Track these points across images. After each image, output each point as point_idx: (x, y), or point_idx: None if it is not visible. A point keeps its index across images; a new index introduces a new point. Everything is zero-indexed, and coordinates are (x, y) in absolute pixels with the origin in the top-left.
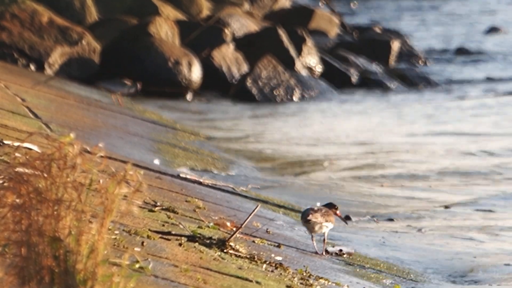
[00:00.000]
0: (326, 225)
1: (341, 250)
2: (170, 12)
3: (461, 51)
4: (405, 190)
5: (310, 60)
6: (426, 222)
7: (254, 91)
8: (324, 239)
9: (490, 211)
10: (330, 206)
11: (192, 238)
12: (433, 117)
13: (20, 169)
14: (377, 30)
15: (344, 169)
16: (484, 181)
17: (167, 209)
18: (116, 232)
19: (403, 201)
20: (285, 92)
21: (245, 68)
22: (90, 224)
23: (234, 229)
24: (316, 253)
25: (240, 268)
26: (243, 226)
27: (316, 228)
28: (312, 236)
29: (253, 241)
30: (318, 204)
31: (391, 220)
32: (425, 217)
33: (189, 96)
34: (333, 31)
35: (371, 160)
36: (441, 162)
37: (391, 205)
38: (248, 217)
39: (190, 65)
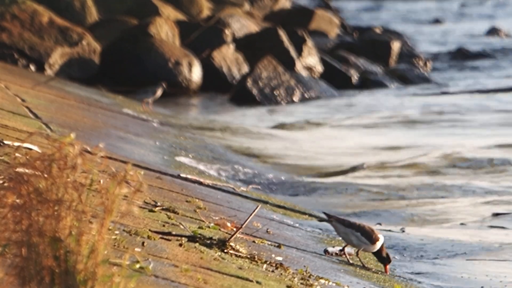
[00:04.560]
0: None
1: (341, 250)
2: (170, 13)
3: (461, 52)
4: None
5: (310, 60)
6: None
7: (255, 91)
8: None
9: None
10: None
11: (192, 238)
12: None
13: (20, 169)
14: (377, 31)
15: None
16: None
17: (167, 209)
18: (117, 232)
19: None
20: (286, 93)
21: (245, 68)
22: (90, 225)
23: (235, 229)
24: (351, 264)
25: (240, 268)
26: (243, 226)
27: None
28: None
29: (254, 241)
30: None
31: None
32: None
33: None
34: (333, 31)
35: None
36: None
37: None
38: (248, 217)
39: (190, 65)
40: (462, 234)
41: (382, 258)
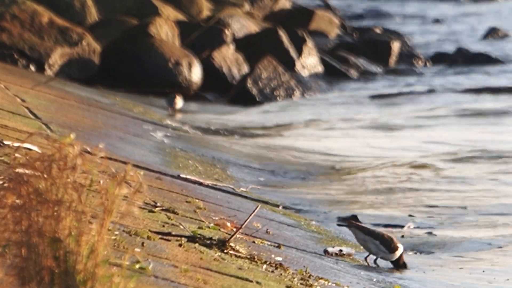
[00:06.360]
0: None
1: (341, 251)
2: (170, 13)
3: (461, 52)
4: None
5: (310, 61)
6: None
7: (255, 92)
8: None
9: None
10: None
11: (192, 239)
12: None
13: (20, 170)
14: (377, 31)
15: None
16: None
17: (167, 210)
18: (116, 232)
19: None
20: (286, 93)
21: (245, 69)
22: (90, 225)
23: (234, 229)
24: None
25: (240, 269)
26: (243, 226)
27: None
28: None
29: (253, 242)
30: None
31: None
32: None
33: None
34: (333, 32)
35: None
36: None
37: None
38: (248, 218)
39: (190, 66)
40: None
41: (399, 265)
